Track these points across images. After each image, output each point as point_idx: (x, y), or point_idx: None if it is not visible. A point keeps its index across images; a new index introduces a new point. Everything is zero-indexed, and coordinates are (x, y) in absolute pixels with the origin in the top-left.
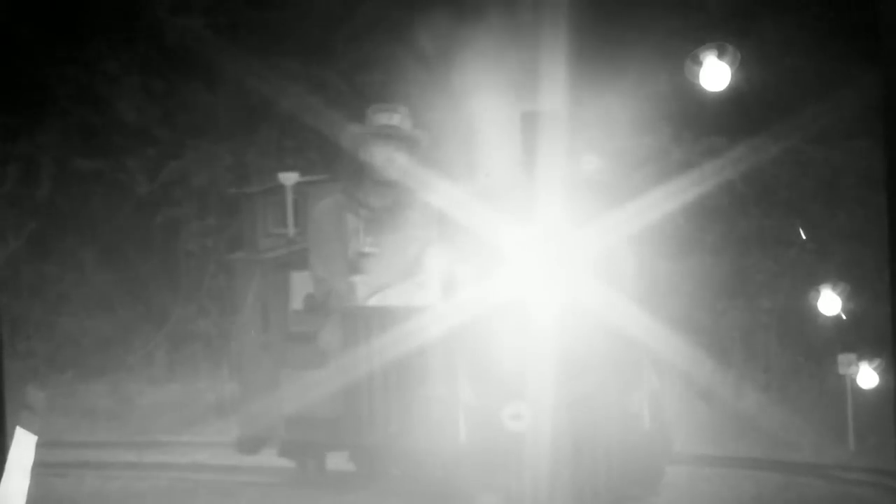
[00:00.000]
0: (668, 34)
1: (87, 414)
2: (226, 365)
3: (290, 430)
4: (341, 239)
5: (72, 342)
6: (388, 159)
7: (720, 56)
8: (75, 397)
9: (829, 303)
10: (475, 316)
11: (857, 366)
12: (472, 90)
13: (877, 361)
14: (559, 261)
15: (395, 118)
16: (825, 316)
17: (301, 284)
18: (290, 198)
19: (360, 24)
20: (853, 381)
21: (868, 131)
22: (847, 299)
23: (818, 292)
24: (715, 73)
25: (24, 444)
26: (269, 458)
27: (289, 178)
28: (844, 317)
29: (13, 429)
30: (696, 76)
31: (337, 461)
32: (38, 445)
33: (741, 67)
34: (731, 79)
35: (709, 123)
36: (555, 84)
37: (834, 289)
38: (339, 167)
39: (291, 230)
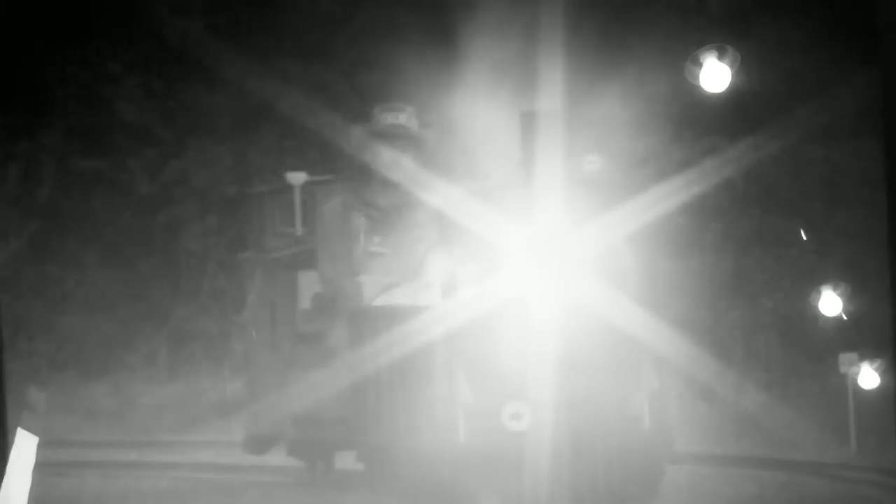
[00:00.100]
0: (668, 36)
1: (88, 413)
2: (227, 364)
3: (299, 430)
4: (349, 238)
5: (73, 342)
6: (395, 159)
7: (720, 58)
8: (77, 397)
9: (830, 304)
10: (475, 316)
11: (859, 366)
12: (472, 90)
13: (878, 362)
14: (560, 261)
15: (402, 117)
16: (826, 317)
17: (309, 284)
18: (298, 198)
19: (360, 25)
20: (854, 380)
21: (868, 131)
22: (848, 300)
23: (819, 293)
24: (715, 75)
25: (25, 445)
26: (270, 457)
27: (297, 178)
28: (845, 318)
29: (14, 428)
30: (697, 78)
31: (345, 461)
32: (40, 445)
33: (741, 69)
34: (732, 80)
35: (709, 123)
36: (555, 84)
37: (835, 290)
38: (346, 167)
39: (299, 230)
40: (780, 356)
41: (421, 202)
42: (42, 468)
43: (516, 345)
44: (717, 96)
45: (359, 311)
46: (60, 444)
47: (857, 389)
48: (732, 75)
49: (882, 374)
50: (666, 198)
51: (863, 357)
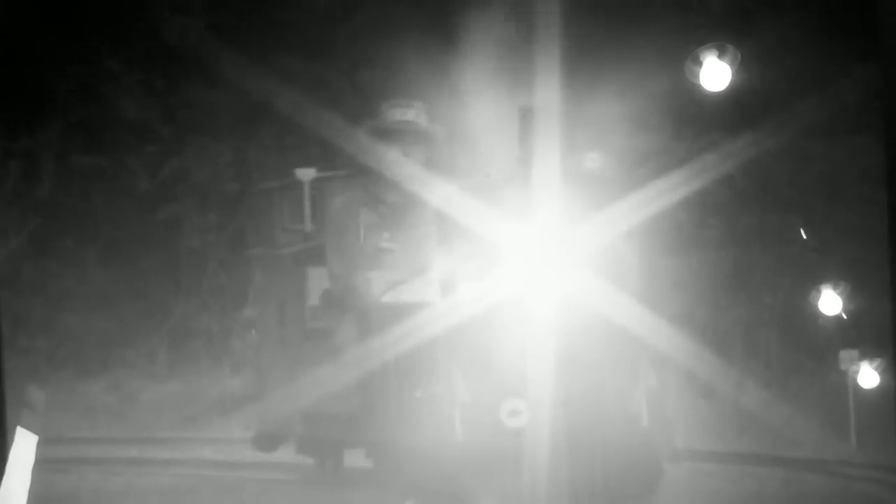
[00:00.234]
0: (668, 34)
1: (88, 410)
2: (227, 361)
3: (307, 427)
4: (358, 234)
5: (73, 339)
6: (404, 155)
7: (720, 56)
8: (76, 394)
9: (830, 303)
10: (473, 313)
11: (859, 364)
12: (473, 87)
13: (878, 361)
14: (559, 258)
15: (411, 113)
16: (826, 316)
17: (318, 280)
18: (307, 193)
19: (360, 22)
20: (855, 377)
21: (868, 127)
22: (848, 299)
23: (819, 292)
24: (715, 73)
25: (24, 444)
26: (276, 454)
27: (306, 173)
28: (845, 317)
29: (14, 426)
30: (697, 76)
31: (355, 459)
32: (40, 442)
33: (741, 67)
34: (732, 78)
35: (710, 121)
36: (555, 81)
37: (835, 289)
38: (354, 163)
39: (309, 226)
40: (781, 353)
41: (429, 198)
42: (41, 465)
43: (515, 342)
44: (718, 94)
45: (367, 308)
46: (60, 441)
47: (858, 386)
48: (732, 74)
49: (882, 374)
50: (666, 194)
51: (863, 356)
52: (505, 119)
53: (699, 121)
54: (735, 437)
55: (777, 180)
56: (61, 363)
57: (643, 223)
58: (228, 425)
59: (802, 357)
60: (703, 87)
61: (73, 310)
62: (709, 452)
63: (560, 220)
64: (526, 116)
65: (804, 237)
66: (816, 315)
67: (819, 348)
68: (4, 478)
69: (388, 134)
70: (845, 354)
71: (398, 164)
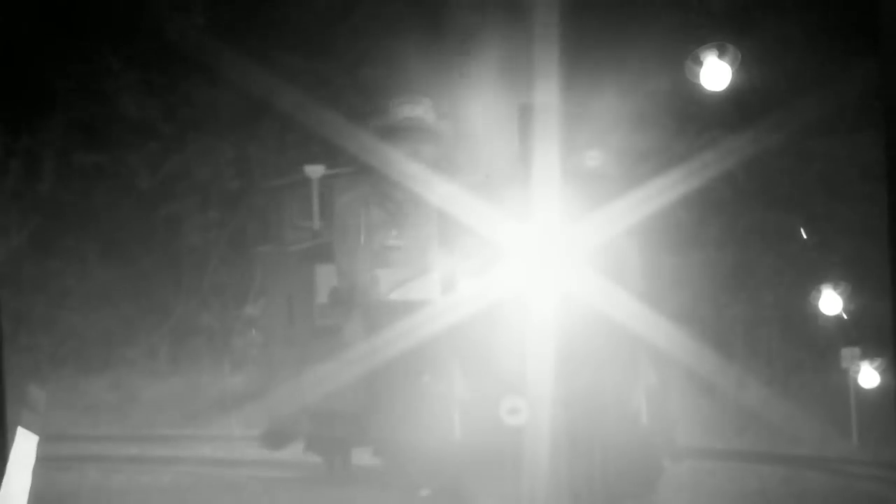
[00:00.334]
0: (668, 32)
1: (89, 408)
2: (228, 359)
3: (315, 425)
4: (366, 232)
5: (74, 336)
6: (412, 152)
7: (721, 56)
8: (78, 391)
9: (831, 302)
10: (473, 311)
11: (860, 363)
12: (473, 85)
13: (878, 360)
14: (559, 255)
15: (419, 110)
16: (827, 315)
17: (326, 278)
18: (315, 190)
19: (361, 19)
20: (856, 375)
21: (869, 125)
22: (848, 299)
23: (819, 292)
24: (716, 73)
25: (25, 444)
26: (280, 452)
27: (315, 170)
28: (846, 316)
29: (14, 425)
30: (697, 76)
31: (363, 457)
32: (41, 440)
33: (742, 66)
34: (732, 78)
35: (710, 119)
36: (556, 79)
37: (835, 288)
38: (361, 160)
39: (317, 223)
40: (782, 351)
41: (430, 196)
42: (42, 462)
43: (515, 340)
44: (718, 94)
45: (374, 306)
46: (61, 439)
47: (859, 384)
48: (733, 73)
49: (882, 373)
50: (666, 193)
51: (864, 355)
52: (505, 117)
53: (700, 119)
54: (736, 434)
55: (777, 179)
56: (62, 361)
57: (643, 221)
58: (229, 423)
59: (803, 355)
60: (703, 87)
61: (74, 308)
62: (709, 450)
63: (560, 217)
64: (526, 114)
65: (804, 236)
66: (817, 313)
67: (820, 346)
68: (4, 478)
69: (397, 131)
70: (847, 352)
71: (407, 161)
